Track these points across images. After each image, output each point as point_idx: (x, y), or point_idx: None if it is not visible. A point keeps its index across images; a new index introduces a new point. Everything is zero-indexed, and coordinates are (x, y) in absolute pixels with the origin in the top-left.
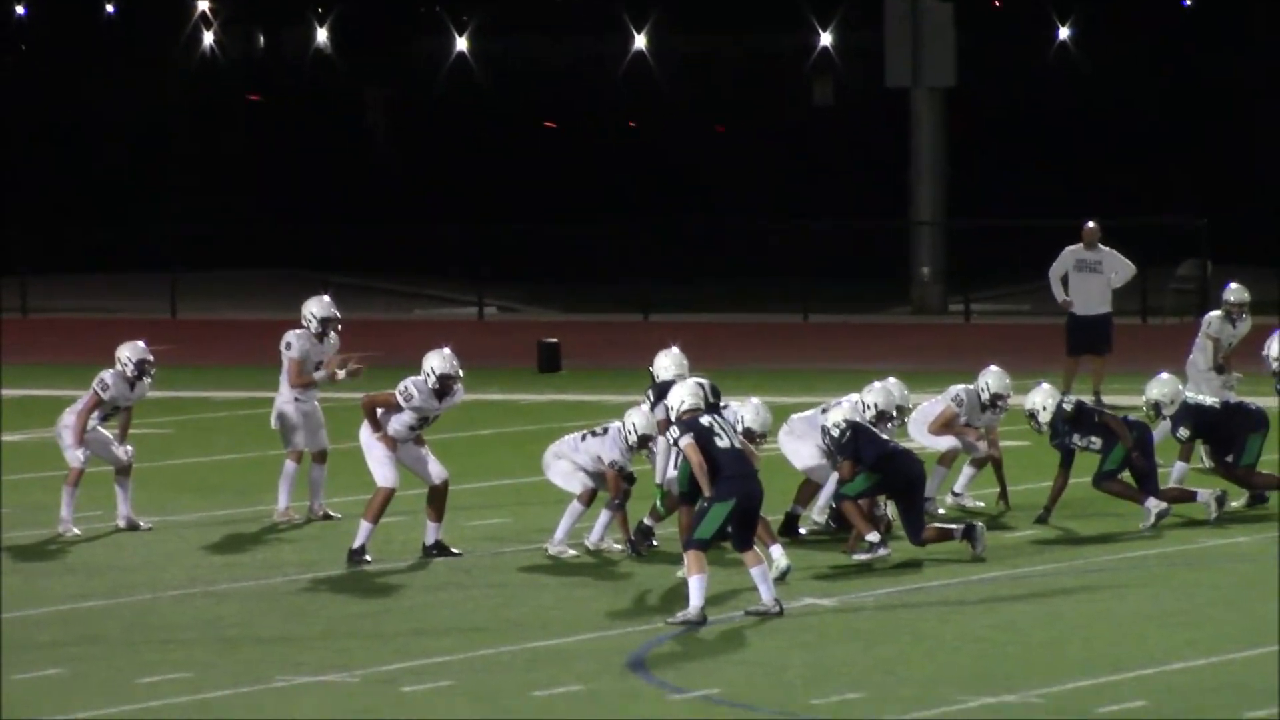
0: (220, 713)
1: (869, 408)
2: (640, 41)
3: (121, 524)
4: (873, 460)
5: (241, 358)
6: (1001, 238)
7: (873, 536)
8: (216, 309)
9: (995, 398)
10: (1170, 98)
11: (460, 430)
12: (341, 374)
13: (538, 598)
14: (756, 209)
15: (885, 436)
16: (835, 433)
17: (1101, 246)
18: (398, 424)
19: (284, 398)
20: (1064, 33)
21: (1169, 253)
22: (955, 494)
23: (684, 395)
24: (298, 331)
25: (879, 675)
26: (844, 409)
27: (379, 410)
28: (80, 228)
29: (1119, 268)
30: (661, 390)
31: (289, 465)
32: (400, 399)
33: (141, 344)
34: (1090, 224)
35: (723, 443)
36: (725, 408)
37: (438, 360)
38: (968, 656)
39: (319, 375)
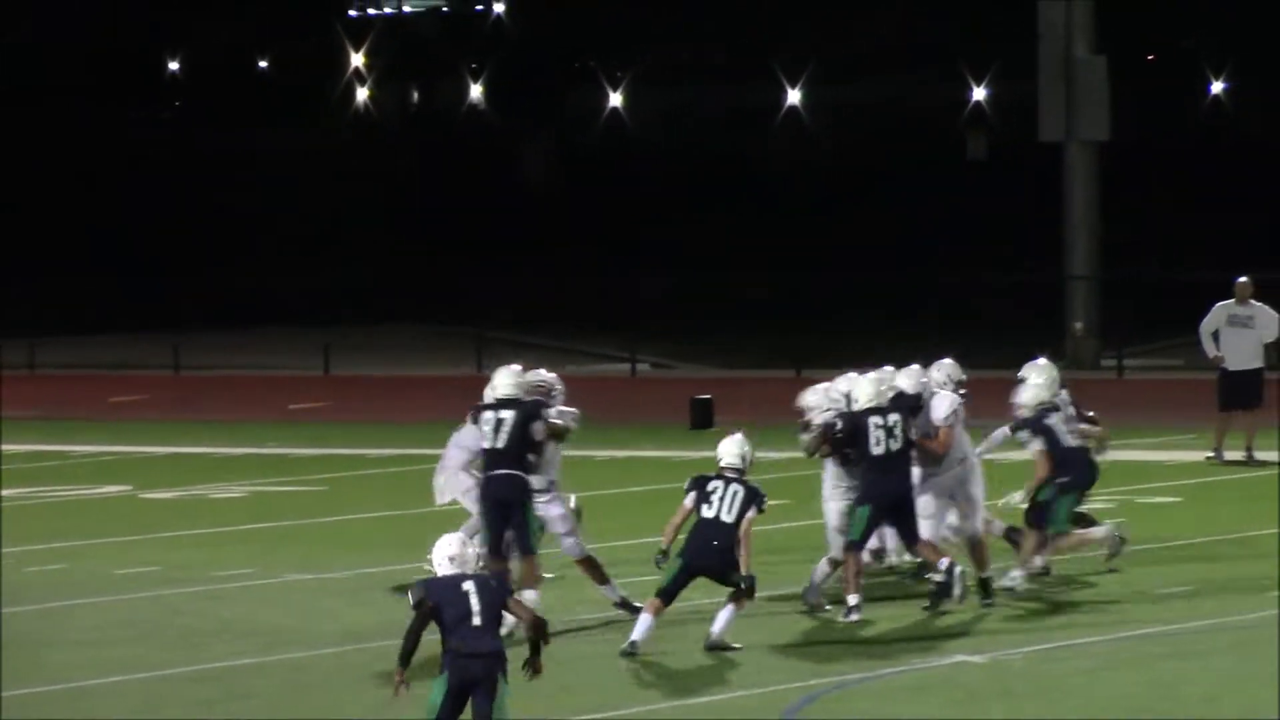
0: None
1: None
2: (794, 96)
3: None
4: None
5: (393, 414)
6: (1155, 292)
7: (852, 599)
8: (369, 365)
9: (958, 384)
10: None
11: (614, 488)
12: None
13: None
14: (908, 262)
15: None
16: None
17: (1254, 301)
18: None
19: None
20: (1217, 86)
21: None
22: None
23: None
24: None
25: None
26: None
27: None
28: (230, 280)
29: (1271, 323)
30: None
31: None
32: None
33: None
34: (1243, 279)
35: None
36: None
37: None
38: (1120, 714)
39: None
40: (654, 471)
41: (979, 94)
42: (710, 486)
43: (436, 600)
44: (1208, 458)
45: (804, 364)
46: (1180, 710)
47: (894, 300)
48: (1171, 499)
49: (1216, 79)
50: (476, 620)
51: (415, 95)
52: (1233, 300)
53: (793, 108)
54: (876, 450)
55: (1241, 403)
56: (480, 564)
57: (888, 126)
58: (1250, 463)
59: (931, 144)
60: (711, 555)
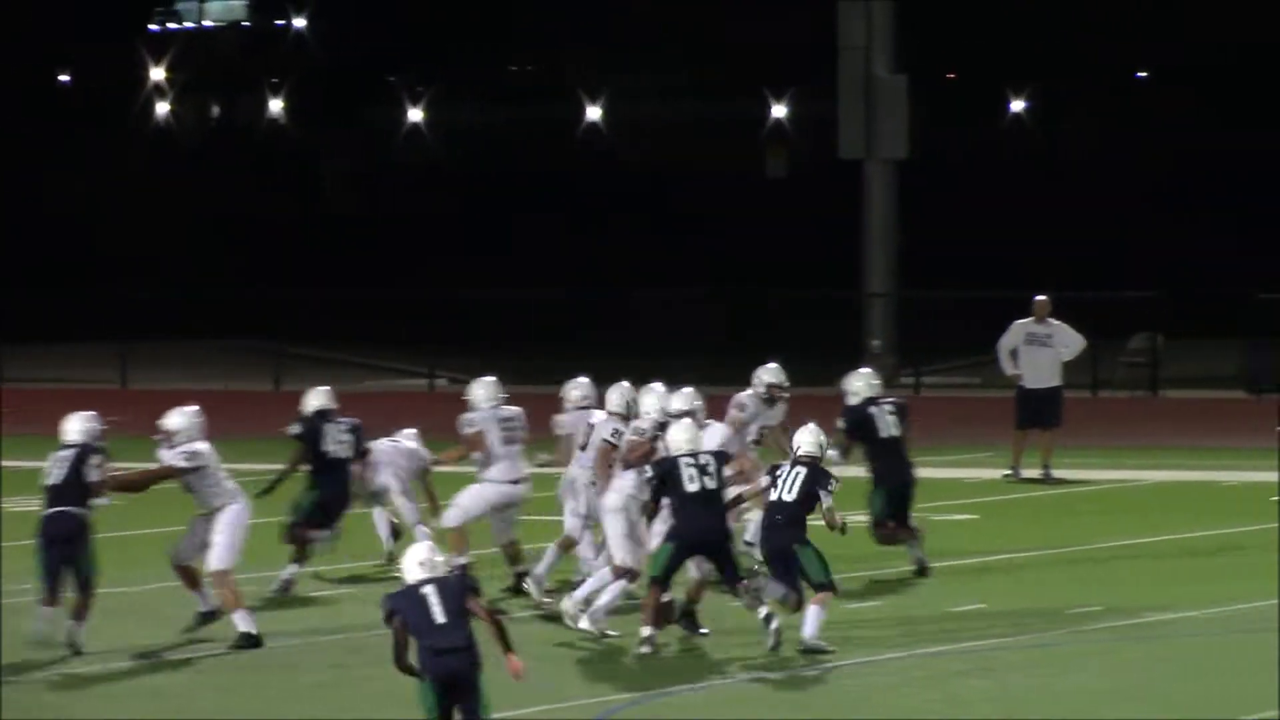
0: None
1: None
2: (594, 113)
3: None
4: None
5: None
6: (953, 310)
7: (646, 630)
8: (168, 379)
9: (771, 388)
10: (1125, 170)
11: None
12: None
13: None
14: (703, 277)
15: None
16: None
17: (1052, 320)
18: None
19: None
20: (1017, 105)
21: (1121, 326)
22: (748, 543)
23: None
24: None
25: None
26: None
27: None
28: (27, 295)
29: (1069, 341)
30: None
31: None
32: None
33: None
34: (1041, 297)
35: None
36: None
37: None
38: None
39: None
40: (453, 486)
41: (779, 111)
42: (779, 471)
43: (399, 609)
44: (1005, 475)
45: (603, 378)
46: None
47: (693, 316)
48: (968, 516)
49: (1017, 98)
50: (440, 618)
51: (216, 110)
52: (1031, 319)
53: (593, 124)
54: (690, 488)
55: (1039, 421)
56: (449, 569)
57: (687, 142)
58: (1047, 480)
59: (731, 161)
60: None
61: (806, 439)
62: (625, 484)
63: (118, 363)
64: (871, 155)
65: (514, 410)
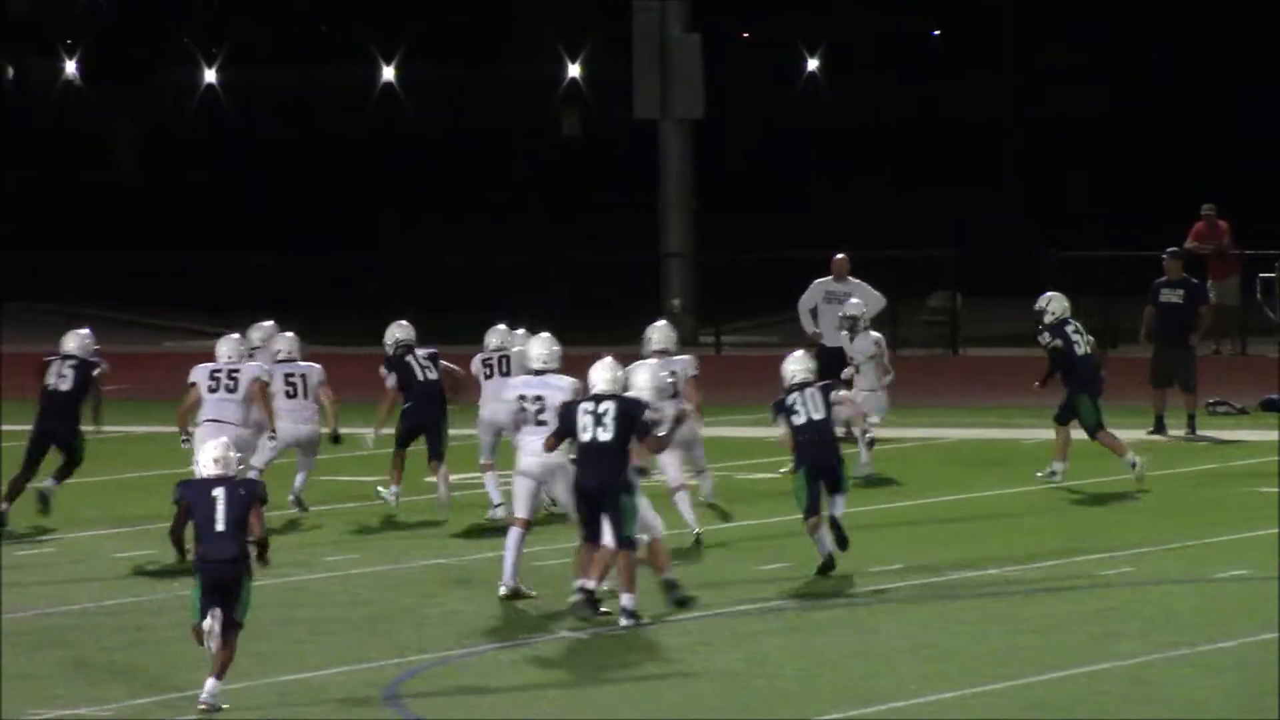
0: None
1: None
2: (389, 73)
3: None
4: None
5: None
6: (752, 270)
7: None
8: None
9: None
10: (916, 127)
11: None
12: None
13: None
14: (513, 242)
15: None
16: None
17: (851, 279)
18: None
19: None
20: (812, 64)
21: (920, 285)
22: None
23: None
24: None
25: (625, 709)
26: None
27: None
28: None
29: (868, 299)
30: None
31: None
32: None
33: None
34: (839, 256)
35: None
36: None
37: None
38: (716, 690)
39: None
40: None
41: (574, 71)
42: (789, 400)
43: (190, 500)
44: None
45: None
46: (779, 683)
47: (501, 279)
48: (767, 475)
49: (812, 57)
50: (220, 526)
51: (10, 73)
52: (830, 277)
53: (388, 83)
54: (583, 437)
55: (836, 379)
56: (241, 468)
57: (482, 103)
58: (848, 438)
59: (525, 121)
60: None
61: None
62: None
63: None
64: (667, 115)
65: None
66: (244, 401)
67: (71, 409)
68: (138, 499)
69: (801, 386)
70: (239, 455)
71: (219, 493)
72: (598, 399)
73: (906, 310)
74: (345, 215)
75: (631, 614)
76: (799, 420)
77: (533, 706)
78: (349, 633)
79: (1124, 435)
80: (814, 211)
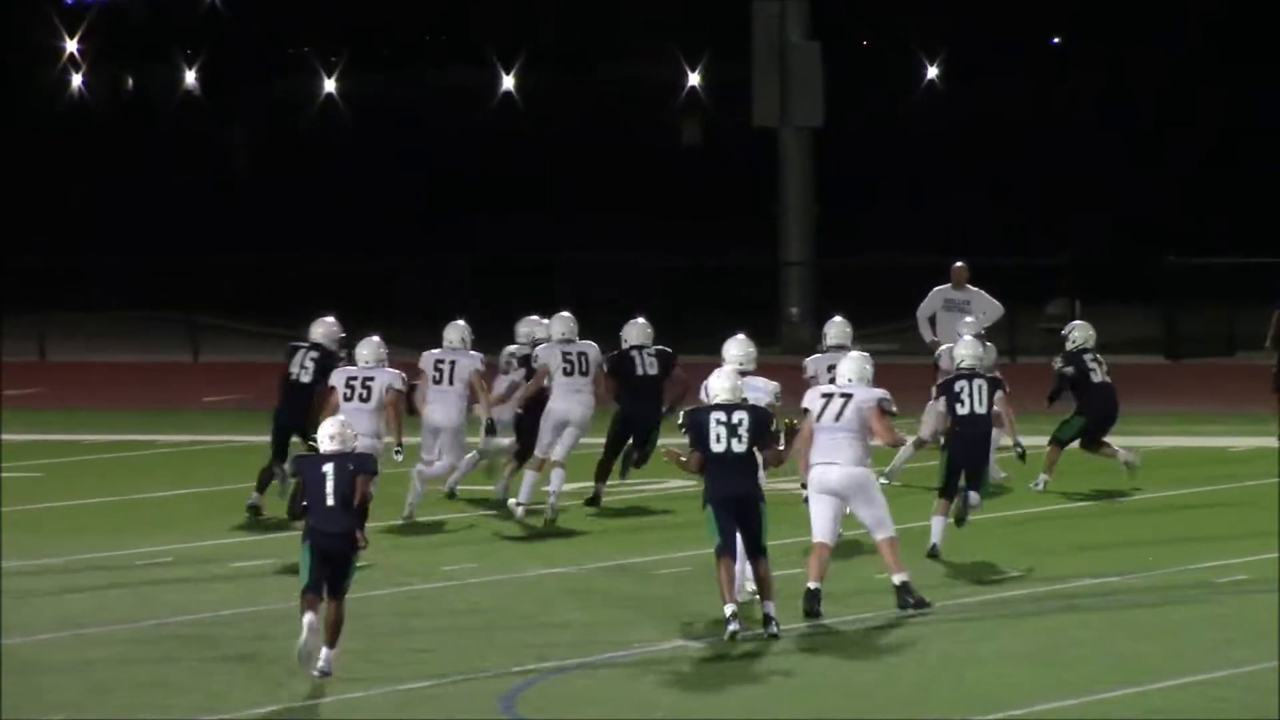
0: None
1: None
2: (509, 81)
3: None
4: None
5: (109, 400)
6: (872, 277)
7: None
8: (84, 351)
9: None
10: (1038, 135)
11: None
12: None
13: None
14: (631, 244)
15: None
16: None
17: (970, 286)
18: None
19: None
20: (932, 71)
21: (1038, 292)
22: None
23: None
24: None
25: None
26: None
27: None
28: None
29: (987, 307)
30: None
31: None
32: None
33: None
34: (959, 264)
35: None
36: None
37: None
38: (837, 697)
39: None
40: None
41: (694, 79)
42: (957, 387)
43: (303, 475)
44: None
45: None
46: (899, 691)
47: (621, 281)
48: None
49: (931, 64)
50: (330, 500)
51: (130, 82)
52: (949, 285)
53: (507, 92)
54: (716, 448)
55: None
56: (357, 443)
57: (604, 110)
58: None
59: (647, 128)
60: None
61: (969, 351)
62: None
63: (35, 335)
64: (786, 123)
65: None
66: (376, 411)
67: (310, 400)
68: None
69: (969, 376)
70: (356, 434)
71: (329, 468)
72: (728, 409)
73: (1025, 318)
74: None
75: (773, 619)
76: (962, 410)
77: (649, 714)
78: (467, 642)
79: (1248, 442)
80: (936, 217)
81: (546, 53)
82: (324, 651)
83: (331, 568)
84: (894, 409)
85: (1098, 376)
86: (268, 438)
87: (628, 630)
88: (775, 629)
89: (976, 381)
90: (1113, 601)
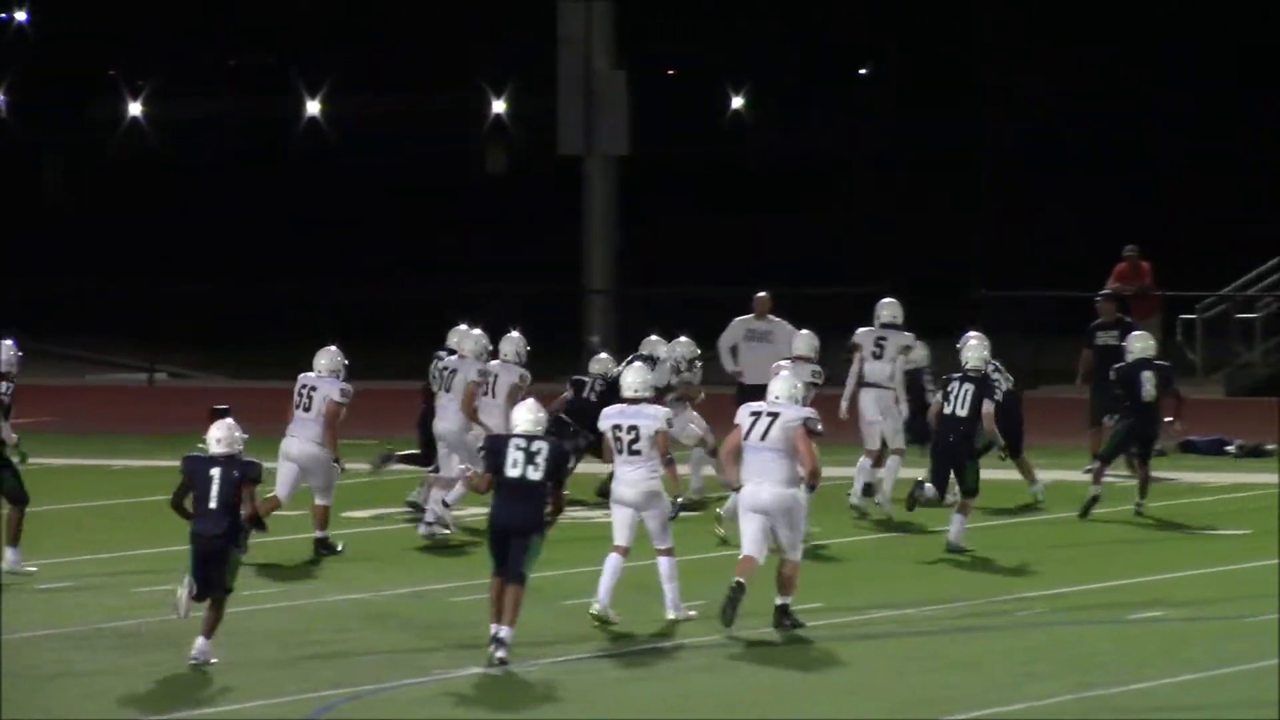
0: None
1: None
2: (313, 107)
3: None
4: None
5: None
6: (675, 306)
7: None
8: None
9: None
10: (847, 165)
11: (129, 496)
12: None
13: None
14: (431, 274)
15: None
16: None
17: (772, 316)
18: None
19: None
20: (737, 101)
21: (842, 321)
22: None
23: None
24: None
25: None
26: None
27: None
28: None
29: (790, 338)
30: None
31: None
32: None
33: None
34: (761, 294)
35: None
36: None
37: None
38: None
39: None
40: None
41: (498, 107)
42: (950, 387)
43: (189, 471)
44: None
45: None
46: None
47: (417, 312)
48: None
49: (736, 95)
50: (212, 504)
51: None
52: (751, 315)
53: (313, 118)
54: (511, 472)
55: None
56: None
57: (407, 137)
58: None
59: (450, 156)
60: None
61: (974, 353)
62: None
63: None
64: (592, 151)
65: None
66: (317, 419)
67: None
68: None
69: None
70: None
71: (215, 472)
72: (529, 438)
73: (831, 347)
74: (291, 244)
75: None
76: (946, 409)
77: None
78: (263, 667)
79: (1051, 475)
80: (740, 246)
81: (354, 79)
82: (199, 641)
83: (212, 568)
84: (820, 428)
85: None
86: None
87: (425, 657)
88: (503, 654)
89: (966, 386)
90: (913, 632)
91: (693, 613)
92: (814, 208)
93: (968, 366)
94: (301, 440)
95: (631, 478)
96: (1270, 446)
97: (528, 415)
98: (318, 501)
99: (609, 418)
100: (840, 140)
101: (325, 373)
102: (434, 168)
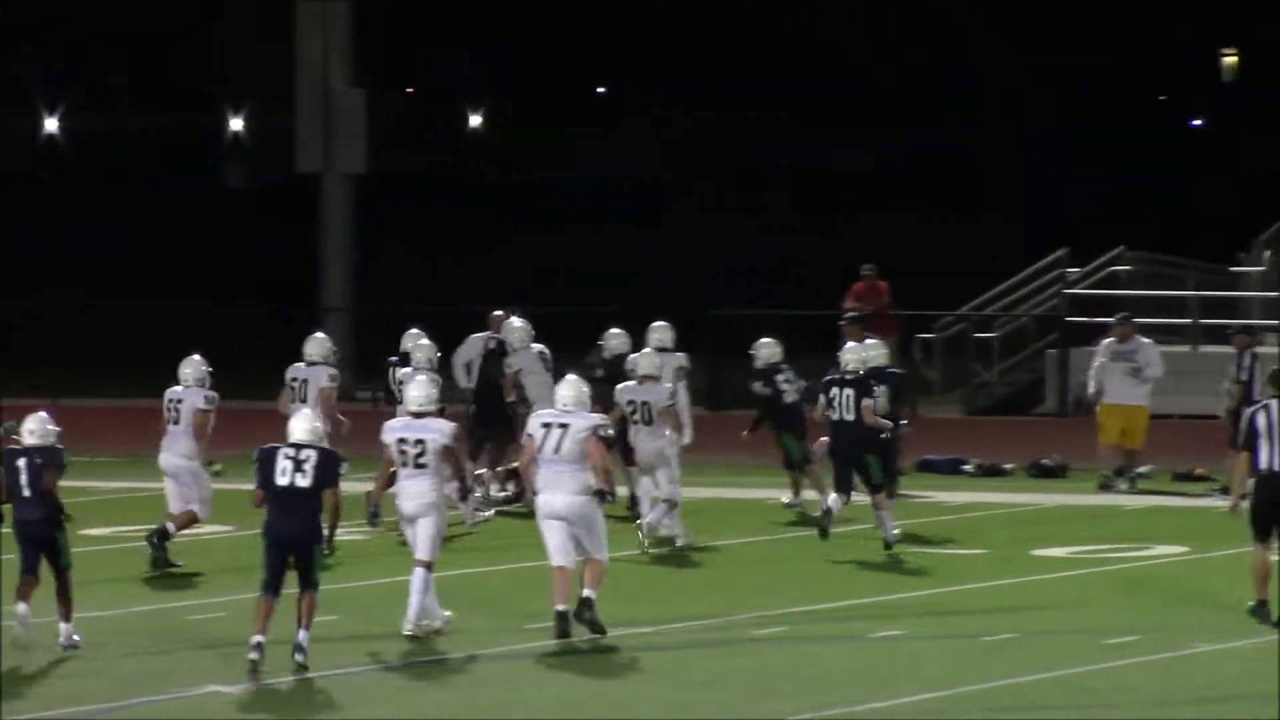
0: None
1: None
2: (51, 124)
3: None
4: None
5: None
6: (411, 324)
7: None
8: None
9: None
10: (580, 186)
11: None
12: None
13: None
14: (176, 291)
15: None
16: None
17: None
18: None
19: None
20: (475, 120)
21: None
22: None
23: None
24: None
25: None
26: None
27: None
28: None
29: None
30: None
31: None
32: None
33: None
34: (497, 312)
35: None
36: None
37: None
38: None
39: None
40: None
41: (236, 124)
42: (831, 393)
43: (4, 469)
44: None
45: (61, 393)
46: None
47: (158, 328)
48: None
49: (475, 114)
50: (26, 492)
51: None
52: (487, 333)
53: (50, 135)
54: (281, 481)
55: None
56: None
57: (145, 154)
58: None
59: (189, 173)
60: (854, 449)
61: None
62: None
63: None
64: (330, 169)
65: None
66: (187, 431)
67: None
68: None
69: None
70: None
71: (21, 462)
72: (299, 447)
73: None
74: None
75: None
76: (833, 415)
77: None
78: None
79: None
80: (477, 265)
81: (92, 96)
82: (62, 626)
83: (39, 551)
84: (610, 433)
85: (790, 397)
86: None
87: (162, 679)
88: (302, 658)
89: (846, 390)
90: (653, 648)
91: (439, 623)
92: (550, 226)
93: (845, 369)
94: (172, 454)
95: (413, 490)
96: (1008, 466)
97: (303, 425)
98: (191, 507)
99: (393, 430)
100: (571, 160)
101: (191, 382)
102: (173, 183)
